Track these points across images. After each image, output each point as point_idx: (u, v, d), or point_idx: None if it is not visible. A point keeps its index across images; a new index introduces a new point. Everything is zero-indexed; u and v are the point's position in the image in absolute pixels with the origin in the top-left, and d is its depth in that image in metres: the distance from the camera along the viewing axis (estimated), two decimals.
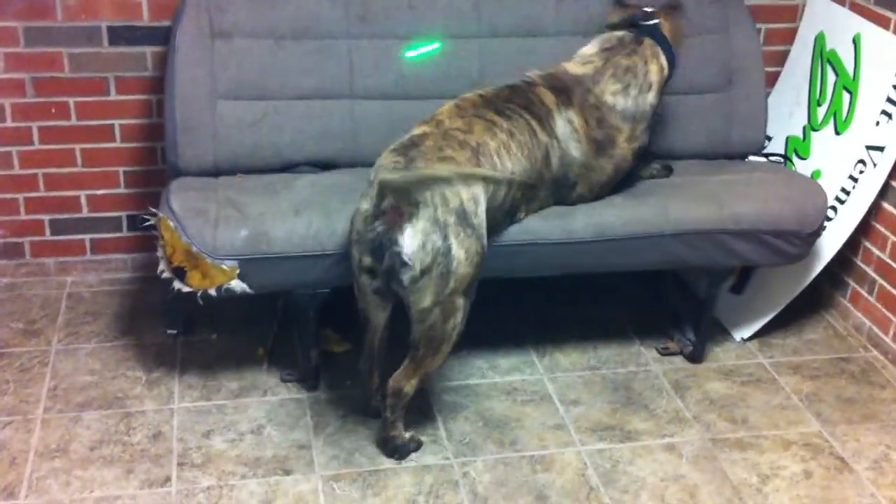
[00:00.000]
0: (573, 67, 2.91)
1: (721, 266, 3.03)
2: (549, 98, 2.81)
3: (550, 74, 2.89)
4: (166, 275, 2.68)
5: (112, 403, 2.85)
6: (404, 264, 2.37)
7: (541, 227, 2.82)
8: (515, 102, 2.77)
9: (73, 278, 3.46)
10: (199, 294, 2.66)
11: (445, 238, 2.38)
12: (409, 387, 2.59)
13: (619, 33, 2.95)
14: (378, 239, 2.40)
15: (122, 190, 3.38)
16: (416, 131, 2.61)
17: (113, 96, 3.25)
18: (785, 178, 3.18)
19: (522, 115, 2.74)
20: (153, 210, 2.75)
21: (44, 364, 3.01)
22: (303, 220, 2.71)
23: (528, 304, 3.41)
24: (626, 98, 2.87)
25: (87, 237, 3.44)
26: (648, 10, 2.96)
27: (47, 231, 3.40)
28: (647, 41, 2.93)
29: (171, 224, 2.65)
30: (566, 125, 2.81)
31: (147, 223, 2.78)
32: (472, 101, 2.74)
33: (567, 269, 2.94)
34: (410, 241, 2.35)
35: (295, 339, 3.11)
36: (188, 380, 2.97)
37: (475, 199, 2.47)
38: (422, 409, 2.89)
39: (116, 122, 3.28)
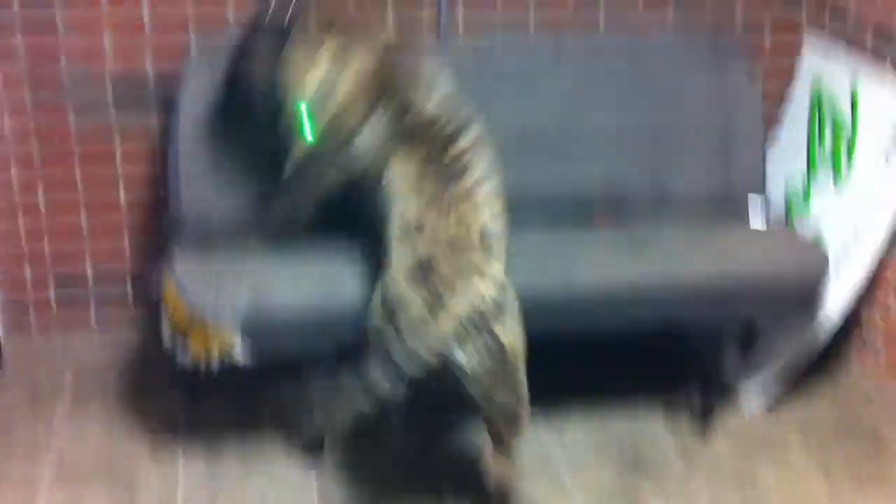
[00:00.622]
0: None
1: (725, 328, 3.02)
2: None
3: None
4: (168, 342, 2.70)
5: (117, 477, 2.85)
6: (466, 375, 2.38)
7: (538, 285, 2.77)
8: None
9: (79, 348, 3.46)
10: (198, 361, 2.67)
11: (492, 336, 2.37)
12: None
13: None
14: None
15: (129, 264, 3.43)
16: (419, 254, 2.43)
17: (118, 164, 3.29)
18: (787, 237, 3.20)
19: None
20: (156, 272, 2.76)
21: (48, 438, 3.01)
22: (305, 287, 2.71)
23: (534, 364, 3.39)
24: None
25: (93, 308, 3.47)
26: None
27: (53, 305, 3.44)
28: None
29: (172, 292, 2.67)
30: None
31: (149, 291, 2.81)
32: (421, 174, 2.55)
33: (566, 333, 2.89)
34: (465, 359, 2.35)
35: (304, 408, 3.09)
36: (193, 450, 2.97)
37: (498, 283, 2.42)
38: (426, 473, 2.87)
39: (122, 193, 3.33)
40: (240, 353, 2.64)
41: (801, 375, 3.35)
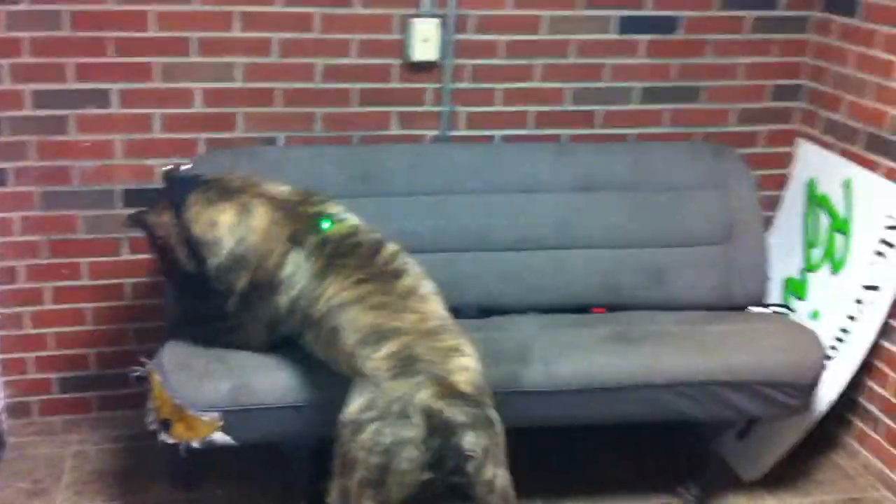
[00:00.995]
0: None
1: (718, 418, 3.00)
2: None
3: None
4: (153, 426, 2.71)
5: None
6: (468, 458, 2.33)
7: (524, 374, 2.80)
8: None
9: (80, 436, 3.44)
10: (182, 446, 2.67)
11: (487, 413, 2.38)
12: None
13: None
14: (436, 454, 2.33)
15: (132, 347, 3.40)
16: (392, 348, 2.46)
17: (126, 256, 3.32)
18: (783, 328, 3.19)
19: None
20: (144, 361, 2.79)
21: None
22: (285, 372, 2.73)
23: (531, 454, 3.38)
24: None
25: (93, 394, 3.45)
26: None
27: (55, 389, 3.41)
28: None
29: (158, 378, 2.69)
30: None
31: (138, 375, 2.81)
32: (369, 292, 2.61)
33: (552, 422, 2.92)
34: (472, 438, 2.33)
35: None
36: None
37: (476, 359, 2.48)
38: None
39: (127, 281, 3.35)
40: (220, 437, 2.66)
41: (800, 458, 3.38)
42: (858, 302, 3.26)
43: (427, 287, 2.63)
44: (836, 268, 3.40)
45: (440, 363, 2.40)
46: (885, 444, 3.31)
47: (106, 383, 3.44)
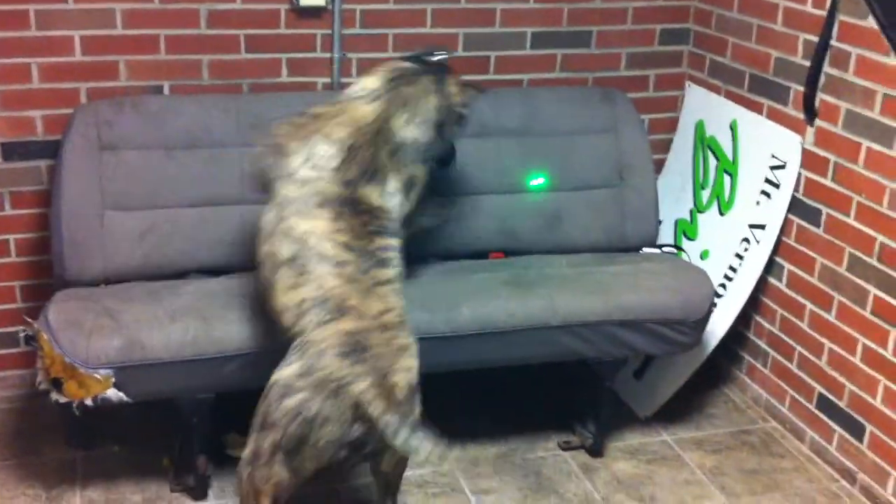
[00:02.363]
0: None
1: (613, 356, 3.06)
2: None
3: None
4: (44, 386, 2.66)
5: None
6: (387, 448, 2.35)
7: (424, 320, 2.79)
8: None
9: None
10: (74, 405, 2.63)
11: (412, 417, 2.37)
12: None
13: (406, 64, 2.83)
14: (358, 438, 2.33)
15: (19, 304, 3.33)
16: (346, 325, 2.38)
17: (8, 211, 3.22)
18: (672, 268, 3.26)
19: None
20: (29, 321, 2.72)
21: None
22: (178, 326, 2.70)
23: (436, 394, 3.41)
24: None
25: None
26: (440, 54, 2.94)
27: None
28: (429, 77, 2.81)
29: (46, 336, 2.63)
30: None
31: (27, 335, 2.74)
32: (349, 261, 2.49)
33: (453, 366, 2.94)
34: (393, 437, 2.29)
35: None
36: (90, 495, 2.90)
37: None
38: None
39: (11, 237, 3.26)
40: (114, 394, 2.63)
41: (693, 393, 3.47)
42: (745, 241, 3.35)
43: (399, 287, 2.54)
44: (724, 208, 3.48)
45: (387, 359, 2.36)
46: (773, 377, 3.42)
47: None
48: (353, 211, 2.53)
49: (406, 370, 2.38)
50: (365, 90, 2.71)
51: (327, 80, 3.40)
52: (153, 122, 3.07)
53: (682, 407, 3.44)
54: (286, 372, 2.35)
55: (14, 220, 3.24)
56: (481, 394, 3.45)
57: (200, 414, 2.81)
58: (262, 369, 2.60)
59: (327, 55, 3.37)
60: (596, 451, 3.19)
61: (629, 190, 3.46)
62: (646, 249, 3.52)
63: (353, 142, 2.59)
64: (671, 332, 3.03)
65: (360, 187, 2.57)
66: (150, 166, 3.05)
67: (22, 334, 2.73)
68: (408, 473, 3.01)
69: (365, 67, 3.38)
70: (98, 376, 2.60)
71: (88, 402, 2.62)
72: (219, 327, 2.71)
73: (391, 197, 2.63)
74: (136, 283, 2.98)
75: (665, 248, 3.55)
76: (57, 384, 2.64)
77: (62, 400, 2.64)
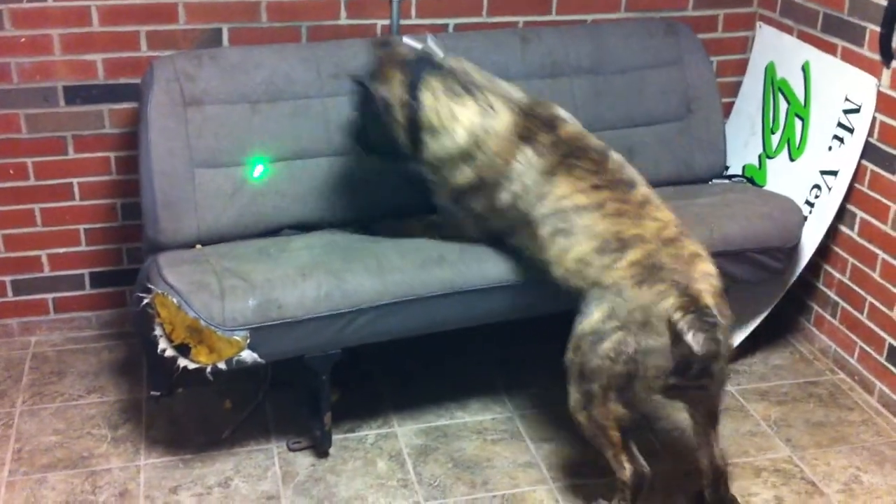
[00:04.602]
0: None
1: None
2: None
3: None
4: (169, 353, 2.60)
5: (77, 463, 2.82)
6: (713, 362, 2.36)
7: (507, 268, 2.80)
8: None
9: (37, 338, 3.43)
10: (208, 370, 2.60)
11: (725, 322, 2.39)
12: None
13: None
14: (682, 361, 2.33)
15: (83, 248, 3.37)
16: (632, 256, 2.44)
17: (71, 155, 3.25)
18: (758, 196, 3.27)
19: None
20: (150, 286, 2.65)
21: (8, 426, 2.97)
22: (311, 283, 2.66)
23: (497, 345, 3.41)
24: None
25: (49, 296, 3.42)
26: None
27: (9, 292, 3.38)
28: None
29: (173, 300, 2.58)
30: None
31: (143, 302, 2.66)
32: (605, 199, 2.59)
33: (531, 311, 2.92)
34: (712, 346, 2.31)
35: (295, 403, 3.03)
36: (154, 435, 2.95)
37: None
38: (391, 454, 2.88)
39: (75, 181, 3.28)
40: (248, 356, 2.59)
41: (758, 344, 3.40)
42: (816, 187, 3.25)
43: (654, 193, 2.64)
44: (794, 153, 3.38)
45: (683, 270, 2.41)
46: (842, 328, 3.33)
47: (60, 285, 3.41)
48: (575, 156, 2.65)
49: (707, 276, 2.43)
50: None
51: (386, 21, 3.34)
52: (234, 74, 2.99)
53: (747, 357, 3.38)
54: (592, 320, 2.44)
55: (77, 163, 3.26)
56: (544, 343, 3.42)
57: (328, 370, 2.78)
58: (390, 322, 2.72)
59: None
60: None
61: (697, 122, 3.43)
62: (715, 181, 3.48)
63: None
64: (768, 259, 3.08)
65: (561, 132, 2.71)
66: (236, 121, 2.97)
67: (143, 303, 2.66)
68: (466, 420, 3.03)
69: (424, 8, 3.34)
70: (234, 338, 2.56)
71: (222, 365, 2.58)
72: (350, 280, 2.69)
73: (573, 120, 2.81)
74: (238, 243, 2.94)
75: (735, 179, 3.49)
76: (184, 350, 2.60)
77: (192, 366, 2.58)
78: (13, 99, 3.14)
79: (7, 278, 3.36)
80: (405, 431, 2.98)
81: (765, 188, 3.44)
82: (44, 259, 3.36)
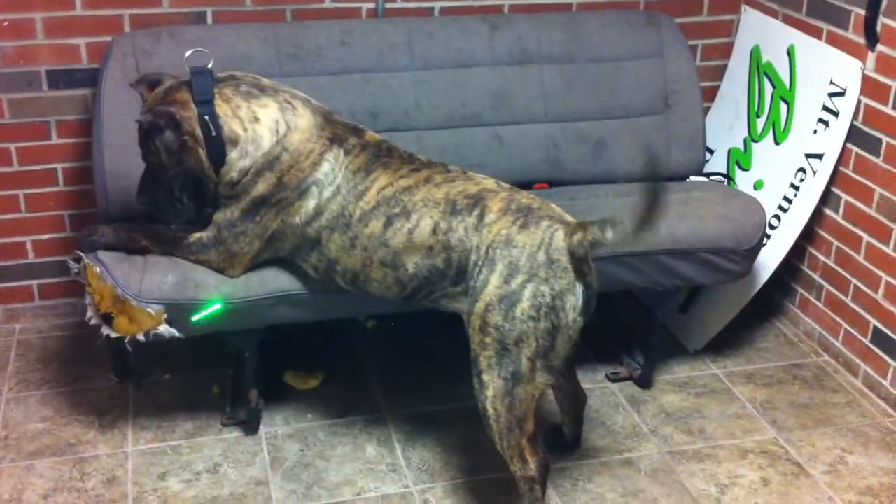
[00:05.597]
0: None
1: (663, 287, 3.00)
2: None
3: None
4: (94, 321, 2.65)
5: (65, 450, 2.81)
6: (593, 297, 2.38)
7: None
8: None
9: (22, 325, 3.41)
10: (126, 340, 2.63)
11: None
12: None
13: None
14: (585, 297, 2.33)
15: (67, 233, 3.35)
16: (497, 205, 2.38)
17: (55, 140, 3.22)
18: (723, 195, 3.18)
19: None
20: (79, 254, 2.70)
21: None
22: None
23: None
24: None
25: (34, 283, 3.40)
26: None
27: None
28: None
29: (97, 270, 2.62)
30: None
31: (75, 271, 2.70)
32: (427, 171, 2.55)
33: None
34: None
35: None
36: (142, 422, 2.94)
37: None
38: (380, 439, 2.88)
39: (59, 166, 3.26)
40: (166, 330, 2.61)
41: (744, 326, 3.42)
42: (801, 171, 3.26)
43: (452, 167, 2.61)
44: (779, 137, 3.39)
45: (547, 207, 2.38)
46: (826, 310, 3.35)
47: (45, 271, 3.40)
48: (386, 155, 2.57)
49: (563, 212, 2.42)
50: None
51: (371, 5, 3.33)
52: (192, 50, 2.99)
53: (732, 340, 3.40)
54: (491, 287, 2.30)
55: (60, 148, 3.24)
56: None
57: (251, 348, 2.81)
58: (312, 307, 2.64)
59: None
60: (644, 383, 3.17)
61: (675, 117, 3.39)
62: (693, 178, 3.45)
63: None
64: (722, 260, 2.96)
65: (367, 136, 2.64)
66: None
67: (70, 267, 2.71)
68: (455, 406, 3.04)
69: None
70: (151, 311, 2.59)
71: (140, 337, 2.61)
72: (268, 264, 2.68)
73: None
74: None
75: (713, 177, 3.47)
76: (107, 319, 2.64)
77: (113, 335, 2.64)
78: None
79: None
80: (394, 417, 2.98)
81: (734, 188, 3.40)
82: (28, 245, 3.34)
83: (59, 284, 3.42)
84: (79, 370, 3.18)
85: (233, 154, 2.52)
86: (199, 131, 2.49)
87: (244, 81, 2.56)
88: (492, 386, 2.33)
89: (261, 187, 2.54)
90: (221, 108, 2.50)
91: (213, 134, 2.49)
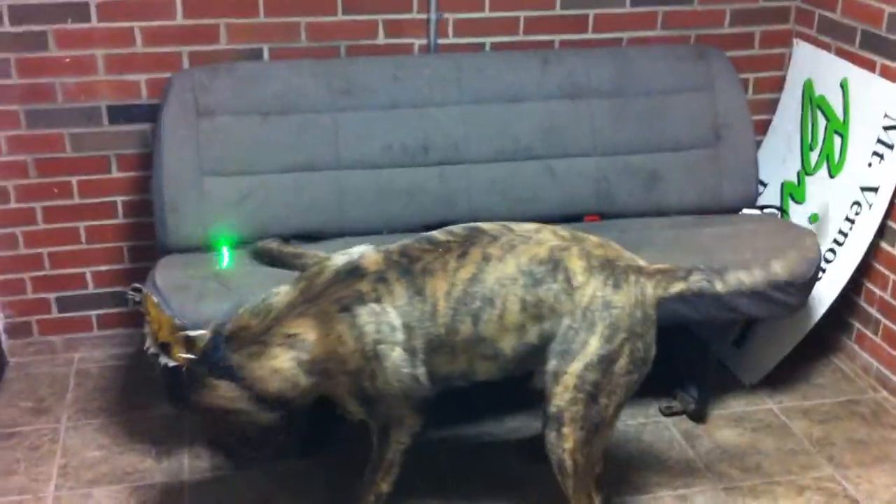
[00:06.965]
0: None
1: (719, 320, 2.97)
2: None
3: None
4: (153, 350, 2.67)
5: (122, 478, 2.85)
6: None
7: None
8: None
9: (81, 354, 3.48)
10: (184, 369, 2.66)
11: None
12: None
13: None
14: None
15: (126, 265, 3.42)
16: (580, 263, 2.33)
17: (115, 173, 3.30)
18: (776, 228, 3.17)
19: None
20: (137, 286, 2.72)
21: (54, 441, 3.01)
22: (286, 288, 2.69)
23: None
24: None
25: (93, 313, 3.47)
26: None
27: (54, 309, 3.43)
28: None
29: (155, 300, 2.66)
30: None
31: (134, 301, 2.70)
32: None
33: None
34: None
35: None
36: (197, 450, 2.97)
37: None
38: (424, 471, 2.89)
39: (119, 199, 3.34)
40: None
41: (800, 362, 3.38)
42: (856, 204, 3.23)
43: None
44: (833, 170, 3.36)
45: (620, 254, 2.40)
46: (884, 346, 3.30)
47: (104, 302, 3.46)
48: (411, 261, 2.35)
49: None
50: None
51: (423, 41, 3.37)
52: (247, 87, 3.09)
53: (788, 375, 3.35)
54: (592, 348, 2.28)
55: (120, 182, 3.32)
56: None
57: None
58: None
59: (423, 16, 3.34)
60: (698, 417, 3.13)
61: (726, 150, 3.39)
62: (746, 211, 3.43)
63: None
64: (777, 293, 2.92)
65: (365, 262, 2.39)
66: (246, 131, 3.08)
67: (129, 297, 2.76)
68: (502, 437, 3.03)
69: (461, 27, 3.37)
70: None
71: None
72: None
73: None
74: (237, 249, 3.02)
75: (766, 210, 3.45)
76: (165, 348, 2.68)
77: (171, 364, 2.66)
78: (58, 118, 3.20)
79: (52, 295, 3.42)
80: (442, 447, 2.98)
81: (788, 220, 3.38)
82: (88, 276, 3.42)
83: (116, 315, 3.48)
84: (135, 399, 3.22)
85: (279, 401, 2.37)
86: (242, 399, 2.38)
87: (242, 337, 2.38)
88: (572, 438, 2.33)
89: (339, 390, 2.40)
90: (248, 374, 2.35)
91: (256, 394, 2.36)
